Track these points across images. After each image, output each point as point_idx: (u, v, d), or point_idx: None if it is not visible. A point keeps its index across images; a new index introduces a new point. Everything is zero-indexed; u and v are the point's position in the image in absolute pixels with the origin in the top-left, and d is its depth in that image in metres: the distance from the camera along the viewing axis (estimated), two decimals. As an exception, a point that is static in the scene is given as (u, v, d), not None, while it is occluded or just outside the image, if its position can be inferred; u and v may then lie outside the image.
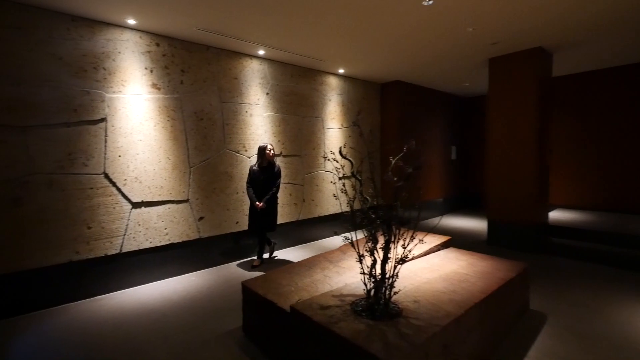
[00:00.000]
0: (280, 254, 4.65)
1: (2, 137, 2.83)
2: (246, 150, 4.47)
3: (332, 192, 5.48)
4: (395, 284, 1.98)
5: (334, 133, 5.64)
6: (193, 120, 3.97)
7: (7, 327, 2.72)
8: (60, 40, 3.09)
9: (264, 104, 4.67)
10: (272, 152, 4.04)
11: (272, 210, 4.08)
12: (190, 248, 3.96)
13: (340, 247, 3.42)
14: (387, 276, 1.92)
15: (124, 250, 3.47)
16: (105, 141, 3.34)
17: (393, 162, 2.00)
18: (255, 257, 4.36)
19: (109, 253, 3.38)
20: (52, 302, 3.08)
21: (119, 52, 3.42)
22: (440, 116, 7.41)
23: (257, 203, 3.92)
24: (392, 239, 1.90)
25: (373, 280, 1.95)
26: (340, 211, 1.76)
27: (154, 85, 3.66)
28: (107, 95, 3.35)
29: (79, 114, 3.19)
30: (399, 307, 1.96)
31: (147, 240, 3.63)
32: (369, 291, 1.97)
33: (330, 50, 4.42)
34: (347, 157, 2.09)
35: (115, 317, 2.89)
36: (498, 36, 4.05)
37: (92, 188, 3.27)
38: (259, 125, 4.61)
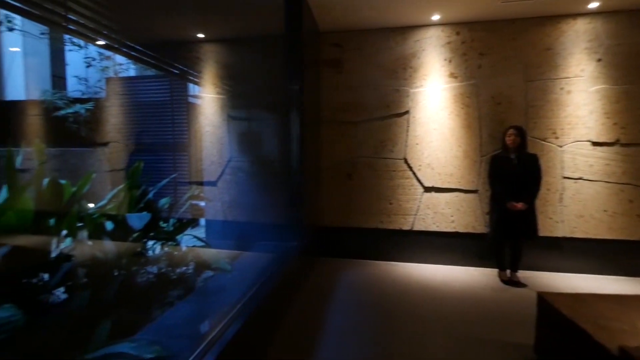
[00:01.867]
0: (595, 283, 3.35)
1: (345, 130, 3.97)
2: (557, 138, 3.56)
3: None
4: None
5: None
6: (490, 105, 3.67)
7: (337, 264, 3.82)
8: (381, 50, 3.86)
9: (591, 75, 3.48)
10: (511, 137, 3.18)
11: (534, 212, 3.21)
12: (476, 241, 3.74)
13: None
14: None
15: (414, 228, 3.86)
16: (407, 131, 3.84)
17: None
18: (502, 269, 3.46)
19: (403, 228, 3.88)
20: (363, 255, 3.98)
21: (423, 50, 3.78)
22: None
23: (515, 203, 3.12)
24: None
25: None
26: None
27: (451, 75, 3.73)
28: (411, 90, 3.82)
29: (390, 109, 3.87)
30: None
31: (434, 223, 3.82)
32: None
33: None
34: None
35: (403, 284, 3.29)
36: None
37: (394, 170, 3.88)
38: (580, 105, 3.51)
